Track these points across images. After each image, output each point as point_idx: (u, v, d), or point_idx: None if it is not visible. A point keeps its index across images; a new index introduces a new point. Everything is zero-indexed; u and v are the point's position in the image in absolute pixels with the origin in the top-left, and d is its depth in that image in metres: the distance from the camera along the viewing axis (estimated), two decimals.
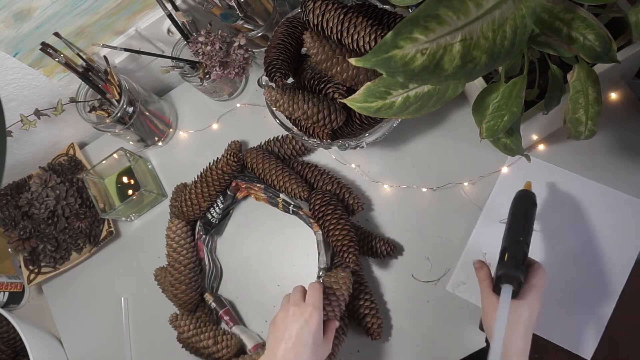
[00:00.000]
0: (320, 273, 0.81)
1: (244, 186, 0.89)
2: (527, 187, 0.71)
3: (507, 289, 0.60)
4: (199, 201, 0.87)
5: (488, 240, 0.78)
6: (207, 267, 0.89)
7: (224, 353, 0.81)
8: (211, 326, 0.84)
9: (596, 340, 0.71)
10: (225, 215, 0.91)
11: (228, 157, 0.86)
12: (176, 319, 0.83)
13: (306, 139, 0.79)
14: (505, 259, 0.62)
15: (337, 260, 0.82)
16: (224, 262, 0.92)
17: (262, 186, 0.86)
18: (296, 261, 0.87)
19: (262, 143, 0.92)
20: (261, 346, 0.83)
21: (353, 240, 0.76)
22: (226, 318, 0.86)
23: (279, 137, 0.91)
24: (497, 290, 0.62)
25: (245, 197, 0.92)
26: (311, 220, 0.83)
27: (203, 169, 0.90)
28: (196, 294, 0.86)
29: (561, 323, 0.73)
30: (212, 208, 0.90)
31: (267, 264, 0.89)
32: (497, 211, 0.79)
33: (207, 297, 0.87)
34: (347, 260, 0.75)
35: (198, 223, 0.90)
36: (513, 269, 0.60)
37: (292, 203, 0.84)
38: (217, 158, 0.89)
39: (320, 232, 0.81)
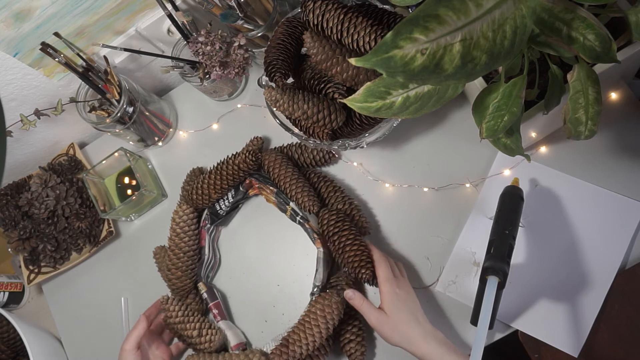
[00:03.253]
0: (315, 290, 0.80)
1: (257, 185, 0.88)
2: (514, 183, 0.72)
3: (492, 281, 0.61)
4: (210, 192, 0.87)
5: (477, 239, 0.79)
6: (206, 257, 0.89)
7: (206, 346, 0.81)
8: (199, 317, 0.84)
9: (583, 338, 0.71)
10: (234, 208, 0.91)
11: (247, 154, 0.85)
12: (166, 302, 0.83)
13: (306, 138, 0.79)
14: (492, 251, 0.64)
15: (333, 280, 0.81)
16: (226, 258, 0.92)
17: (275, 190, 0.86)
18: (296, 261, 0.87)
19: (284, 146, 0.90)
20: (244, 345, 0.84)
21: (370, 257, 0.75)
22: (215, 311, 0.86)
23: (301, 144, 0.89)
24: (483, 282, 0.63)
25: (256, 195, 0.92)
26: (315, 236, 0.82)
27: (220, 161, 0.89)
28: (190, 281, 0.87)
29: (548, 320, 0.73)
30: (221, 200, 0.89)
31: (268, 263, 0.89)
32: (485, 211, 0.79)
33: (201, 286, 0.87)
34: (362, 276, 0.74)
35: (205, 211, 0.90)
36: (499, 261, 0.62)
37: (300, 214, 0.83)
38: (236, 152, 0.88)
39: (321, 249, 0.81)
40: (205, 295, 0.87)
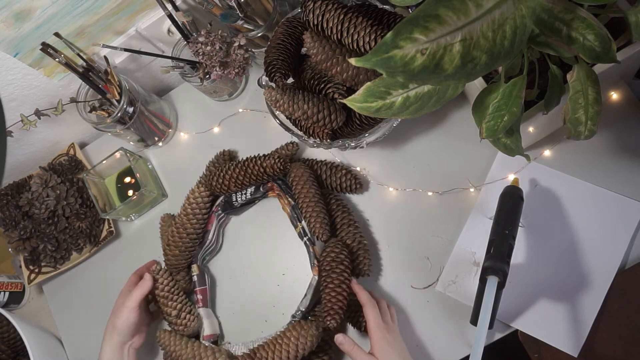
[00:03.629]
0: (298, 313, 0.80)
1: (277, 192, 0.87)
2: (514, 183, 0.72)
3: (492, 281, 0.61)
4: (229, 184, 0.86)
5: (477, 239, 0.79)
6: (209, 241, 0.89)
7: (180, 329, 0.83)
8: (183, 297, 0.85)
9: (583, 338, 0.71)
10: (250, 203, 0.91)
11: (277, 160, 0.82)
12: (157, 272, 0.84)
13: (306, 139, 0.79)
14: (492, 251, 0.64)
15: (317, 309, 0.80)
16: (227, 257, 0.92)
17: (292, 203, 0.84)
18: (297, 261, 0.87)
19: (315, 161, 0.88)
20: (215, 337, 0.85)
21: (343, 309, 0.74)
22: (199, 297, 0.87)
23: (333, 165, 0.86)
24: (482, 282, 0.63)
25: (274, 197, 0.91)
26: (315, 262, 0.81)
27: (248, 157, 0.86)
28: (185, 262, 0.87)
29: (548, 320, 0.73)
30: (239, 193, 0.89)
31: (268, 263, 0.89)
32: (485, 211, 0.79)
33: (194, 268, 0.88)
34: (327, 323, 0.73)
35: (221, 198, 0.90)
36: (499, 261, 0.62)
37: (309, 235, 0.82)
38: (266, 154, 0.86)
39: (316, 277, 0.80)
40: (195, 278, 0.88)
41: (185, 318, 0.83)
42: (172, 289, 0.84)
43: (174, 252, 0.86)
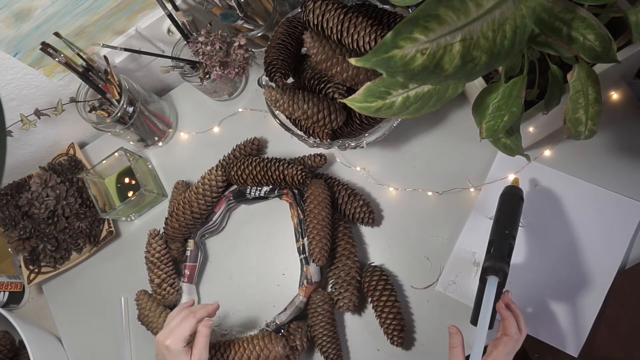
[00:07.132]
0: (272, 324, 0.80)
1: (290, 201, 0.87)
2: (514, 183, 0.72)
3: (492, 280, 0.61)
4: (247, 179, 0.85)
5: (477, 239, 0.79)
6: (212, 222, 0.90)
7: (159, 298, 0.85)
8: (170, 268, 0.87)
9: (583, 338, 0.71)
10: (262, 198, 0.90)
11: (299, 172, 0.81)
12: (154, 237, 0.85)
13: (306, 138, 0.79)
14: (492, 251, 0.64)
15: (293, 326, 0.80)
16: (227, 257, 0.92)
17: (301, 217, 0.84)
18: (297, 261, 0.87)
19: (337, 182, 0.86)
20: None
21: (402, 324, 0.76)
22: (186, 272, 0.88)
23: (353, 192, 0.84)
24: (483, 282, 0.63)
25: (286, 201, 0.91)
26: (304, 282, 0.81)
27: (271, 158, 0.85)
28: (182, 236, 0.89)
29: (548, 320, 0.73)
30: (255, 188, 0.88)
31: (268, 263, 0.89)
32: (485, 211, 0.79)
33: (190, 244, 0.89)
34: (393, 342, 0.76)
35: (235, 186, 0.90)
36: (499, 261, 0.62)
37: (306, 254, 0.82)
38: (290, 162, 0.83)
39: (301, 298, 0.80)
40: (188, 253, 0.89)
41: (165, 289, 0.84)
42: (162, 257, 0.85)
43: (174, 224, 0.86)
